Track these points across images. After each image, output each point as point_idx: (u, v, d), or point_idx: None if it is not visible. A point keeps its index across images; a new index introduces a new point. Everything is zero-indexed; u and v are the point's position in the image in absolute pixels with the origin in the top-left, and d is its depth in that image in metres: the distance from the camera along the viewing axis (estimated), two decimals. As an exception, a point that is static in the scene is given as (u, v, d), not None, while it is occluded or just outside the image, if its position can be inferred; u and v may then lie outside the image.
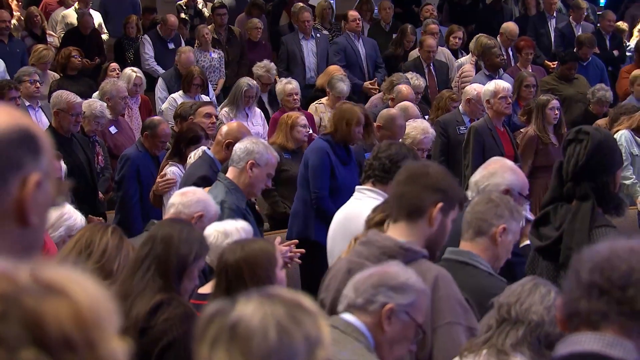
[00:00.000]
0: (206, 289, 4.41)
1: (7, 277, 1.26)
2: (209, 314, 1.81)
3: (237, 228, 4.59)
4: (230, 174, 5.62)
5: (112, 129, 8.68)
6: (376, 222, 3.97)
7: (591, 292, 2.23)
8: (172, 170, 6.85)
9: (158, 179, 6.76)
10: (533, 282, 3.15)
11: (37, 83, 9.09)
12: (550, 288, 3.13)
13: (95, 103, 8.28)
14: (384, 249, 3.43)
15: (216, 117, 7.96)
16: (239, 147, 5.66)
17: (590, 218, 4.22)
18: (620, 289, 2.21)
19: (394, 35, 12.30)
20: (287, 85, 9.20)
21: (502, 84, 8.04)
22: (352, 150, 6.83)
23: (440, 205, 3.47)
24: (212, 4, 13.15)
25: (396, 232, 3.52)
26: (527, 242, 4.58)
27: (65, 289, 1.27)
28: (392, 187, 3.70)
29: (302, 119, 7.55)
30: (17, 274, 1.27)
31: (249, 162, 5.55)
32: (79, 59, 10.29)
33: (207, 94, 9.92)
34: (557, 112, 8.15)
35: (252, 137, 6.04)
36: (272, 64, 10.39)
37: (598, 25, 12.87)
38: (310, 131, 8.25)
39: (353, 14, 11.77)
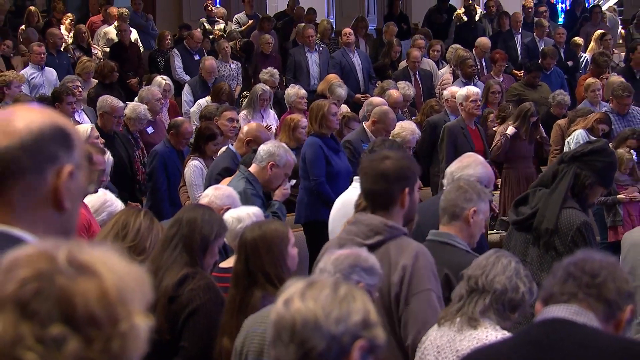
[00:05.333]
0: (226, 263, 4.38)
1: (47, 256, 1.23)
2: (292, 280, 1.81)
3: (248, 214, 4.57)
4: (253, 168, 5.67)
5: (149, 129, 8.67)
6: (364, 206, 3.94)
7: (565, 280, 2.24)
8: (194, 164, 6.90)
9: None
10: (495, 255, 3.12)
11: (80, 88, 9.12)
12: (510, 259, 3.11)
13: (139, 107, 8.30)
14: (371, 226, 3.42)
15: (237, 121, 7.93)
16: (263, 148, 5.70)
17: (563, 198, 4.23)
18: (591, 276, 2.23)
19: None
20: (299, 90, 9.21)
21: (472, 89, 8.10)
22: (338, 140, 6.96)
23: (406, 190, 3.45)
24: (231, 22, 13.22)
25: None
26: None
27: (96, 270, 1.23)
28: (361, 183, 3.60)
29: (303, 121, 7.52)
30: (56, 254, 1.23)
31: (270, 163, 5.60)
32: (117, 74, 10.28)
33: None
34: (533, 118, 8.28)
35: (275, 141, 6.07)
36: (275, 70, 10.42)
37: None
38: None
39: (346, 30, 11.80)
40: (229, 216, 4.55)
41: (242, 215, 4.55)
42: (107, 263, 1.25)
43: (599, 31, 12.90)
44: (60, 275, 1.20)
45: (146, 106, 8.44)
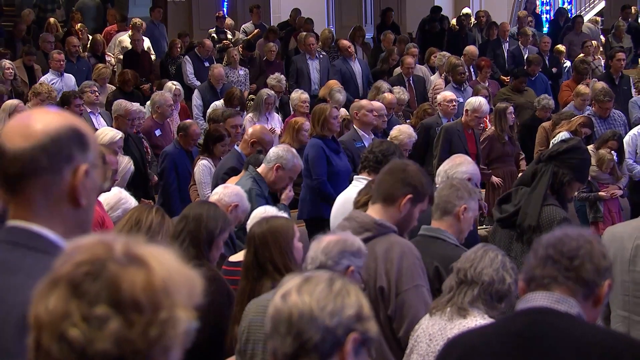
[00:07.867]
0: (235, 257, 4.39)
1: (105, 245, 1.25)
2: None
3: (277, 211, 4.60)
4: (261, 169, 5.68)
5: (157, 132, 8.66)
6: (362, 203, 3.96)
7: (545, 262, 2.23)
8: (203, 164, 6.91)
9: None
10: (483, 249, 3.12)
11: (96, 93, 9.09)
12: (497, 253, 3.11)
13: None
14: (362, 223, 3.47)
15: (240, 126, 7.93)
16: (273, 150, 5.72)
17: (543, 195, 4.24)
18: (569, 259, 2.22)
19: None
20: (302, 95, 9.23)
21: (484, 107, 7.93)
22: (339, 142, 6.96)
23: (409, 196, 3.49)
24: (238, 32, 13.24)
25: (373, 212, 3.56)
26: None
27: (147, 262, 1.24)
28: (378, 175, 3.69)
29: (306, 124, 7.52)
30: (114, 244, 1.25)
31: (276, 165, 5.61)
32: (132, 84, 10.24)
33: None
34: (513, 115, 8.29)
35: (286, 145, 6.05)
36: (282, 75, 10.42)
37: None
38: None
39: (344, 43, 11.76)
40: (261, 210, 4.61)
41: (272, 212, 4.58)
42: (159, 258, 1.25)
43: (592, 41, 12.96)
44: (113, 262, 1.22)
45: (138, 104, 8.45)
